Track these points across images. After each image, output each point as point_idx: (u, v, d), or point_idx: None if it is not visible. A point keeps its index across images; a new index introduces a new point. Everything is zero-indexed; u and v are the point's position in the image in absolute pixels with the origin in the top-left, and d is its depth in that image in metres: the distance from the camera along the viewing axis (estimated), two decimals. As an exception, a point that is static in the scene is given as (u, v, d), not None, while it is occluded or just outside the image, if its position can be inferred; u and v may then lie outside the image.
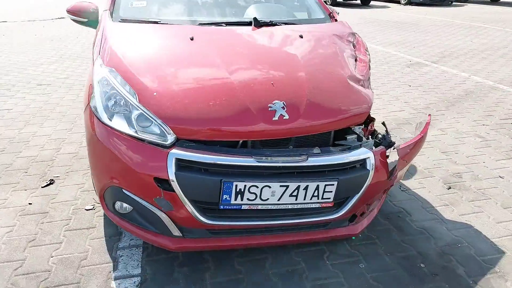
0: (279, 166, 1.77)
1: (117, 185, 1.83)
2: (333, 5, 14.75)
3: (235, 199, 1.78)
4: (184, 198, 1.74)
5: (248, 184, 1.75)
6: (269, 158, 1.77)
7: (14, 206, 2.44)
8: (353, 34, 2.65)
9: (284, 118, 1.80)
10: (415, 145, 2.15)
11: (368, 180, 1.89)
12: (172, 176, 1.70)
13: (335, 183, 1.82)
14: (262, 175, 1.79)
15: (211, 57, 2.11)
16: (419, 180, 2.85)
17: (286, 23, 2.61)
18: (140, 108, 1.82)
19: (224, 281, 1.91)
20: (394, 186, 2.27)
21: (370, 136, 2.26)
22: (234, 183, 1.74)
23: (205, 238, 1.90)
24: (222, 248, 1.94)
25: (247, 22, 2.55)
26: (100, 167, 1.92)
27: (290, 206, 1.85)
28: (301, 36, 2.41)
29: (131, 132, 1.79)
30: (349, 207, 1.92)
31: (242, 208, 1.81)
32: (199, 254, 2.05)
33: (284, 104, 1.83)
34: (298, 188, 1.80)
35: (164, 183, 1.73)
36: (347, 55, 2.33)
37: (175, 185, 1.71)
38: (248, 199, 1.79)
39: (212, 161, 1.73)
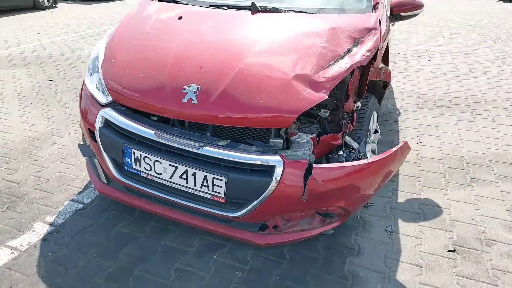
0: (172, 146, 1.88)
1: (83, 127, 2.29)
2: None
3: (135, 165, 2.00)
4: (103, 151, 2.06)
5: (143, 154, 1.94)
6: (170, 136, 1.89)
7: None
8: (370, 29, 2.26)
9: (192, 102, 1.86)
10: (352, 173, 1.84)
11: (269, 189, 1.78)
12: (96, 130, 2.04)
13: (224, 179, 1.81)
14: (158, 149, 1.93)
15: (175, 35, 2.25)
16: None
17: (298, 11, 2.43)
18: (99, 71, 2.19)
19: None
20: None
21: (336, 149, 2.06)
22: (133, 150, 1.96)
23: (122, 192, 2.18)
24: (131, 206, 2.16)
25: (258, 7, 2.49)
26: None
27: (182, 188, 1.94)
28: (286, 26, 2.25)
29: (90, 88, 2.19)
30: (246, 210, 1.86)
31: (141, 174, 2.01)
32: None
33: (197, 89, 1.88)
34: (186, 172, 1.88)
35: (93, 134, 2.09)
36: (323, 56, 2.05)
37: (97, 138, 2.04)
38: (145, 168, 1.98)
39: (121, 125, 1.98)
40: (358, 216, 2.32)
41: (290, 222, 2.01)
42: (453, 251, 2.06)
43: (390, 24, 2.99)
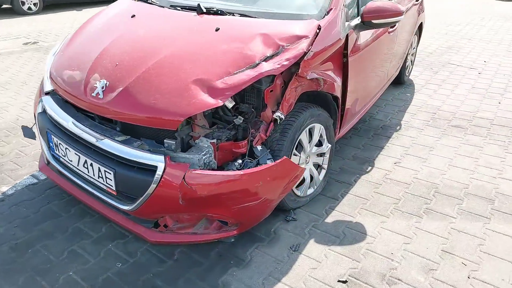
0: (77, 135, 2.04)
1: None
2: None
3: (56, 150, 2.21)
4: (39, 134, 2.31)
5: (58, 141, 2.14)
6: (81, 127, 2.05)
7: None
8: (301, 37, 2.14)
9: (98, 96, 2.00)
10: (223, 182, 1.81)
11: (151, 187, 1.85)
12: (35, 115, 2.30)
13: (112, 172, 1.92)
14: (69, 138, 2.10)
15: (115, 33, 2.39)
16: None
17: (243, 14, 2.39)
18: (51, 61, 2.44)
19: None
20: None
21: (242, 155, 2.06)
22: (52, 136, 2.17)
23: (56, 174, 2.39)
24: (61, 188, 2.34)
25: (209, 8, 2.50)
26: None
27: (86, 176, 2.09)
28: (217, 29, 2.23)
29: (44, 77, 2.46)
30: (135, 205, 1.94)
31: (61, 159, 2.21)
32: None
33: (105, 85, 2.02)
34: (86, 162, 2.03)
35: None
36: (235, 61, 2.01)
37: (37, 122, 2.30)
38: (61, 154, 2.17)
39: (47, 112, 2.20)
40: (272, 231, 2.24)
41: (180, 223, 2.04)
42: (345, 282, 1.88)
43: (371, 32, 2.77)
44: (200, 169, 1.85)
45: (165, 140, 1.94)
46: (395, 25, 3.16)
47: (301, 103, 2.33)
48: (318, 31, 2.22)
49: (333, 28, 2.31)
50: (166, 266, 2.00)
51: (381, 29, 2.92)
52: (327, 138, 2.54)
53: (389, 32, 3.10)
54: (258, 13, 2.42)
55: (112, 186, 1.98)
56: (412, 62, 4.68)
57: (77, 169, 2.12)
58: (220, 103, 1.88)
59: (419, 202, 2.48)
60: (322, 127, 2.44)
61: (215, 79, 1.95)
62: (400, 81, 4.44)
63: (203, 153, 1.91)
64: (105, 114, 2.00)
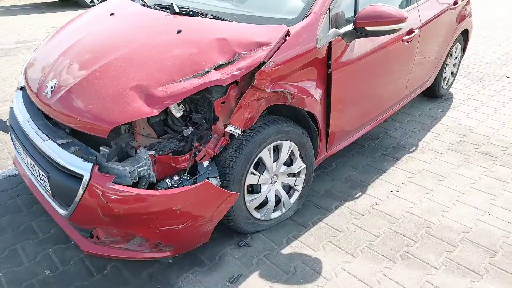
0: (26, 135, 2.02)
1: None
2: None
3: (14, 145, 2.21)
4: (10, 127, 2.34)
5: (14, 137, 2.14)
6: (33, 126, 2.02)
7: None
8: (261, 45, 1.90)
9: (47, 96, 1.96)
10: (135, 200, 1.66)
11: (77, 197, 1.77)
12: (9, 109, 2.34)
13: (46, 176, 1.86)
14: (22, 135, 2.08)
15: (88, 31, 2.32)
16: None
17: (216, 17, 2.18)
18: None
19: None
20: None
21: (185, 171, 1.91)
22: (12, 132, 2.17)
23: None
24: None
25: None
26: None
27: (35, 174, 2.05)
28: (178, 32, 2.06)
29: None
30: (68, 212, 1.87)
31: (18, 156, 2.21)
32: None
33: (55, 85, 1.97)
34: (30, 162, 1.99)
35: None
36: (182, 68, 1.83)
37: (8, 116, 2.34)
38: (18, 150, 2.17)
39: (13, 108, 2.22)
40: (218, 256, 2.03)
41: (111, 237, 1.92)
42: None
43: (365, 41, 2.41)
44: (126, 185, 1.70)
45: (100, 148, 1.83)
46: (412, 33, 2.75)
47: (267, 117, 2.09)
48: (286, 37, 1.96)
49: (307, 35, 2.03)
50: (92, 280, 1.89)
51: (388, 37, 2.54)
52: (301, 157, 2.26)
53: (404, 41, 2.70)
54: (234, 16, 2.21)
55: (48, 189, 1.92)
56: (454, 74, 4.12)
57: (27, 167, 2.10)
58: (156, 112, 1.72)
59: (400, 243, 2.11)
60: (294, 145, 2.18)
61: (156, 86, 1.79)
62: (435, 94, 3.93)
63: (138, 165, 1.77)
64: (51, 114, 1.94)
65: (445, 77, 3.93)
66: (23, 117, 2.11)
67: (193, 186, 1.69)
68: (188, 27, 2.11)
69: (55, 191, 1.87)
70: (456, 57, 4.02)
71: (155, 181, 1.83)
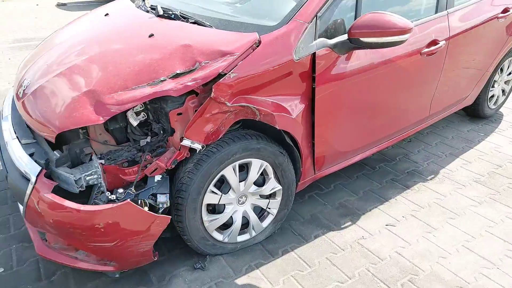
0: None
1: None
2: None
3: None
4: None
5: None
6: (9, 124, 2.06)
7: None
8: (224, 54, 1.72)
9: (19, 95, 1.98)
10: (57, 212, 1.60)
11: (26, 198, 1.76)
12: None
13: (5, 175, 1.88)
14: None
15: (74, 32, 2.32)
16: None
17: (198, 21, 2.04)
18: None
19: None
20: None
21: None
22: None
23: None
24: None
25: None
26: None
27: None
28: (150, 36, 1.95)
29: None
30: (22, 210, 1.88)
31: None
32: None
33: (27, 84, 1.99)
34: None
35: None
36: (138, 75, 1.72)
37: None
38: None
39: (4, 103, 2.29)
40: (169, 277, 1.91)
41: (61, 243, 1.88)
42: None
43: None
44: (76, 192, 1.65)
45: (54, 152, 1.80)
46: (436, 45, 2.38)
47: (236, 132, 1.91)
48: (255, 47, 1.77)
49: (282, 45, 1.81)
50: (37, 285, 1.87)
51: (398, 49, 2.21)
52: (276, 178, 2.05)
53: (423, 54, 2.34)
54: (215, 21, 2.05)
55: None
56: (507, 92, 3.56)
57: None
58: (102, 120, 1.64)
59: (374, 290, 1.83)
60: (267, 164, 1.98)
61: (108, 93, 1.70)
62: (478, 114, 3.43)
63: (87, 173, 1.70)
64: (21, 113, 1.96)
65: (492, 95, 3.41)
66: (5, 113, 2.15)
67: (113, 205, 1.58)
68: (162, 31, 2.00)
69: (12, 189, 1.88)
70: (510, 73, 3.47)
71: (105, 191, 1.75)
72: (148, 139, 1.86)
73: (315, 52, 1.90)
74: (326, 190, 2.55)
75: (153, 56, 1.82)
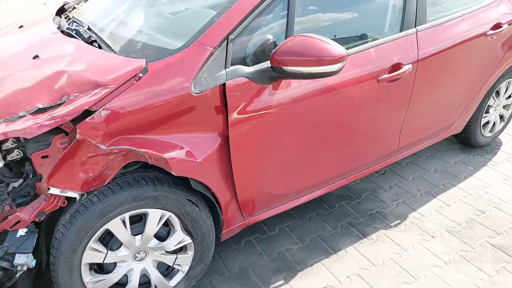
0: None
1: None
2: None
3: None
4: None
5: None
6: None
7: None
8: (99, 85, 1.40)
9: None
10: None
11: None
12: None
13: None
14: None
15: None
16: None
17: (106, 42, 1.72)
18: None
19: None
20: None
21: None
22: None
23: None
24: None
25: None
26: None
27: None
28: (35, 57, 1.65)
29: None
30: None
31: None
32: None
33: None
34: None
35: None
36: (4, 105, 1.44)
37: None
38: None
39: None
40: None
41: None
42: None
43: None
44: None
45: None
46: (399, 69, 1.98)
47: (125, 176, 1.59)
48: (139, 77, 1.43)
49: (175, 75, 1.47)
50: None
51: (339, 77, 1.82)
52: (186, 230, 1.72)
53: (381, 81, 1.94)
54: (120, 39, 1.73)
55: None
56: (506, 118, 3.08)
57: None
58: None
59: None
60: (170, 214, 1.65)
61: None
62: (470, 142, 2.98)
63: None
64: None
65: (486, 122, 2.95)
66: None
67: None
68: (50, 52, 1.70)
69: None
70: (509, 97, 3.00)
71: None
72: (19, 182, 1.56)
73: (225, 83, 1.54)
74: (268, 234, 2.19)
75: (24, 84, 1.52)
